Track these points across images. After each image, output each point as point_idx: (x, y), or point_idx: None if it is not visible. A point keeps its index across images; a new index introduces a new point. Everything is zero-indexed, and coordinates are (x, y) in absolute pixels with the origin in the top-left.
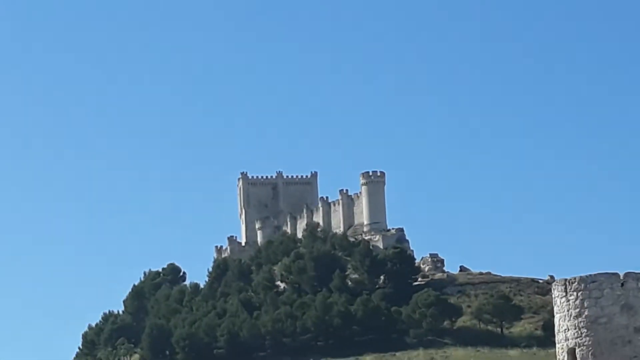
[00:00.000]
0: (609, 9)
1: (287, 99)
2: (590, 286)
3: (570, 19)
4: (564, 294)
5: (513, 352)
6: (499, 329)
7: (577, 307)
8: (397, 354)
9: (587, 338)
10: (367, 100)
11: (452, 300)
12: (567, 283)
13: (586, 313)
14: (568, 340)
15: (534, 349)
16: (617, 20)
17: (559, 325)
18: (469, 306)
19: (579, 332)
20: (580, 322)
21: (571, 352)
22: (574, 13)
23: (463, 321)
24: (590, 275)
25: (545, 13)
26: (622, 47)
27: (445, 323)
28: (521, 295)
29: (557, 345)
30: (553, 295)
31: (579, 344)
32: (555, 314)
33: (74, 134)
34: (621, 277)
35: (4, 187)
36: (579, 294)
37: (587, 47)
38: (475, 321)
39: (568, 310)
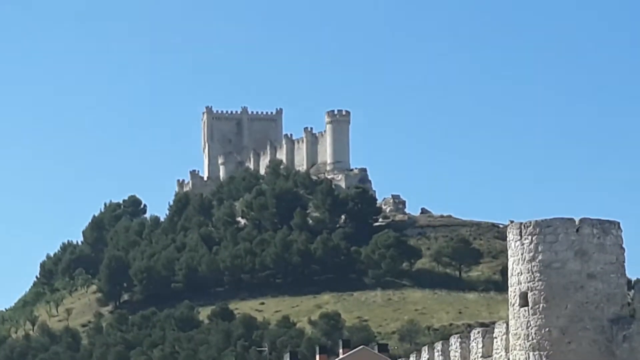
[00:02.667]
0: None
1: (255, 33)
2: (545, 230)
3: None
4: (519, 237)
5: (470, 296)
6: (457, 272)
7: (531, 251)
8: (355, 293)
9: (540, 282)
10: (336, 39)
11: (411, 242)
12: (522, 227)
13: (540, 257)
14: (521, 284)
15: (491, 292)
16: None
17: (513, 268)
18: (428, 248)
19: (532, 276)
20: (534, 266)
21: (523, 296)
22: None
23: (422, 263)
24: (545, 219)
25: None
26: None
27: (404, 265)
28: (481, 240)
29: (509, 289)
30: (508, 239)
31: (531, 287)
32: (509, 257)
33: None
34: (577, 223)
35: None
36: (533, 238)
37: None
38: (434, 264)
39: (522, 254)
